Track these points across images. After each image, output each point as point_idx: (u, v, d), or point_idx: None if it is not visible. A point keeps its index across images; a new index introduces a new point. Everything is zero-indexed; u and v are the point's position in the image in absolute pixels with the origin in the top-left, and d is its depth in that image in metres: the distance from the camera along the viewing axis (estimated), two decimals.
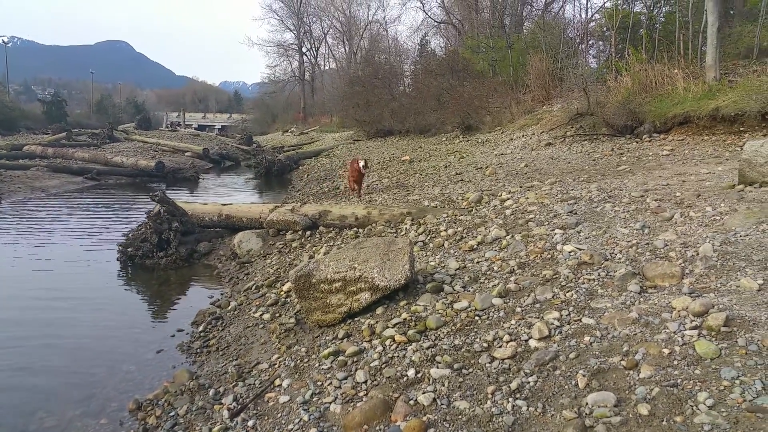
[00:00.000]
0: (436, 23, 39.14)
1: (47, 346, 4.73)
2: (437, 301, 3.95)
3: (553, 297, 3.64)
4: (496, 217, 5.86)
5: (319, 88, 59.20)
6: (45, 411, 3.64)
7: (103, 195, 14.49)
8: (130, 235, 7.64)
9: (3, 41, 68.31)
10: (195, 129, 58.53)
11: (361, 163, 9.91)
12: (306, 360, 3.68)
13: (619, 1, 16.92)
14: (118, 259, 7.24)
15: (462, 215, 6.25)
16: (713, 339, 2.71)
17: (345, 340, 3.79)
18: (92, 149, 22.49)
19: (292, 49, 59.46)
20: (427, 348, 3.36)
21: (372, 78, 25.40)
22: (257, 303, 5.13)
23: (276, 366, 3.73)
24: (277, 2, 57.91)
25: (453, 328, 3.55)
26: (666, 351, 2.69)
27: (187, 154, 23.70)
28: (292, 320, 4.35)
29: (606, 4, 18.49)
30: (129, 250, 7.24)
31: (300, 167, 19.69)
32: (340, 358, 3.52)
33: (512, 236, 5.08)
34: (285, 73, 60.22)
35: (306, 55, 60.37)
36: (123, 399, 3.72)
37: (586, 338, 3.01)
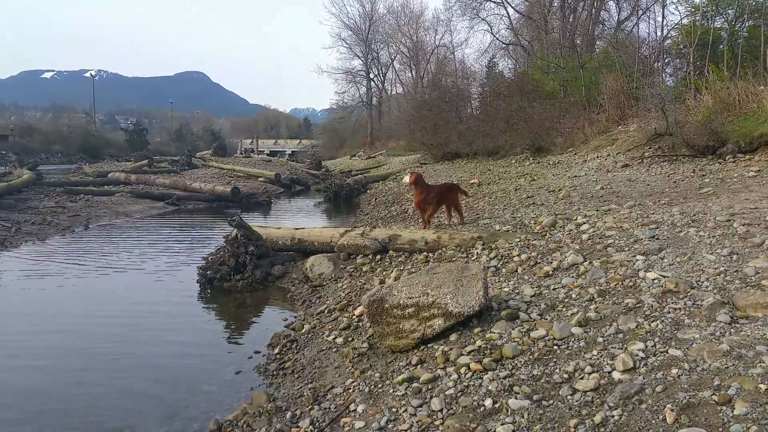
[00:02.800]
0: (504, 45, 39.00)
1: (132, 365, 4.99)
2: (513, 329, 3.86)
3: (636, 327, 3.48)
4: (572, 242, 5.68)
5: (386, 113, 60.20)
6: (130, 429, 3.82)
7: (183, 219, 15.24)
8: (209, 258, 7.99)
9: (91, 74, 74.02)
10: (267, 155, 60.82)
11: (405, 179, 8.21)
12: (380, 385, 3.68)
13: (697, 18, 16.22)
14: (198, 282, 7.56)
15: (535, 240, 6.11)
16: None
17: (419, 366, 3.77)
18: (172, 175, 23.68)
19: (360, 75, 60.99)
20: (504, 377, 3.28)
21: (439, 101, 25.56)
22: (330, 326, 5.21)
23: (350, 390, 3.75)
24: (346, 31, 59.70)
25: (530, 357, 3.45)
26: (763, 387, 2.50)
27: (260, 179, 24.56)
28: (365, 345, 4.37)
29: (683, 21, 17.75)
30: (208, 272, 7.56)
31: (368, 191, 19.96)
32: (415, 384, 3.50)
33: (590, 262, 4.90)
34: (353, 99, 61.78)
35: (373, 80, 61.73)
36: (204, 419, 3.85)
37: (674, 371, 2.85)
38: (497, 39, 38.80)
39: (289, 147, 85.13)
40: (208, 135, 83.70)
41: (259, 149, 74.24)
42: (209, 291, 7.38)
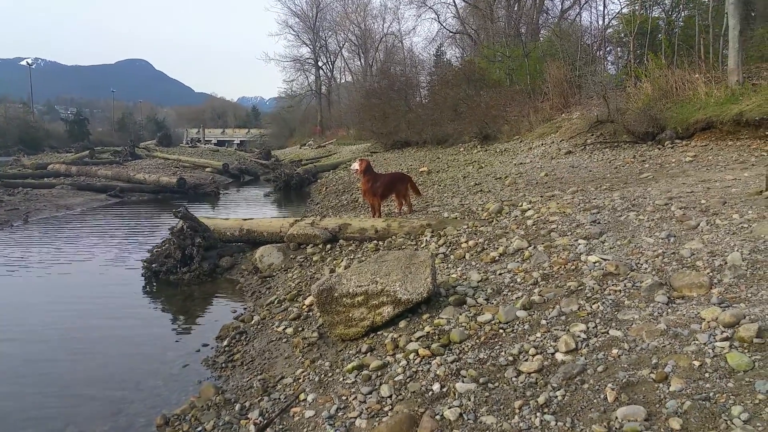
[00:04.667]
0: (451, 33, 39.34)
1: (74, 361, 4.82)
2: (460, 314, 3.93)
3: (578, 309, 3.60)
4: (518, 227, 5.82)
5: (336, 102, 59.79)
6: (74, 426, 3.69)
7: (127, 211, 14.72)
8: (154, 251, 7.75)
9: (27, 63, 70.45)
10: (214, 145, 59.48)
11: (354, 166, 8.09)
12: (330, 374, 3.68)
13: (636, 7, 16.82)
14: (143, 275, 7.34)
15: (483, 226, 6.23)
16: (746, 351, 2.65)
17: (368, 354, 3.79)
18: (115, 167, 22.91)
19: (309, 64, 60.21)
20: (452, 362, 3.33)
21: (388, 90, 25.57)
22: (280, 317, 5.16)
23: (300, 380, 3.74)
24: (293, 18, 58.73)
25: (477, 341, 3.52)
26: (697, 363, 2.64)
27: (207, 169, 24.01)
28: (315, 334, 4.36)
29: (623, 10, 18.37)
30: (153, 265, 7.34)
31: (318, 180, 19.83)
32: (365, 372, 3.51)
33: (535, 247, 5.04)
34: (302, 88, 60.98)
35: (322, 69, 61.07)
36: (151, 414, 3.75)
37: (614, 351, 2.96)
38: (444, 27, 39.17)
39: (238, 137, 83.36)
40: (152, 125, 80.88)
41: (206, 139, 72.38)
42: (155, 284, 7.18)
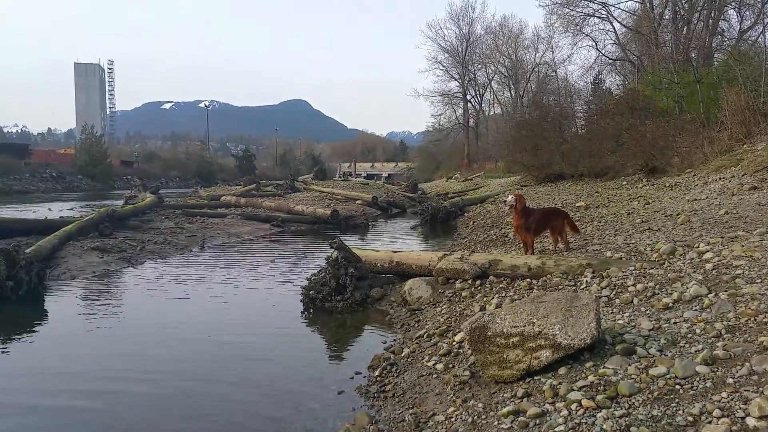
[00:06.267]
0: (610, 60, 37.33)
1: (242, 379, 5.19)
2: (629, 365, 3.57)
3: None
4: (695, 271, 5.21)
5: (484, 134, 59.60)
6: None
7: (287, 240, 15.90)
8: (311, 278, 8.22)
9: (205, 105, 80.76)
10: (364, 178, 62.34)
11: (509, 198, 7.84)
12: (484, 416, 3.55)
13: None
14: (301, 301, 7.79)
15: (652, 269, 5.67)
16: None
17: (525, 399, 3.59)
18: (277, 199, 24.89)
19: (457, 97, 60.95)
20: (620, 416, 3.03)
21: (541, 121, 24.84)
22: (429, 352, 5.13)
23: (453, 419, 3.65)
24: (443, 54, 60.08)
25: (649, 396, 3.17)
26: None
27: (357, 202, 25.14)
28: (467, 373, 4.25)
29: None
30: (311, 292, 7.77)
31: (465, 214, 19.74)
32: (521, 418, 3.33)
33: (716, 294, 4.46)
34: (449, 121, 61.84)
35: (470, 101, 61.48)
36: None
37: None
38: (603, 55, 37.20)
39: (386, 170, 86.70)
40: (309, 160, 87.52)
41: (357, 172, 76.27)
42: (311, 310, 7.58)
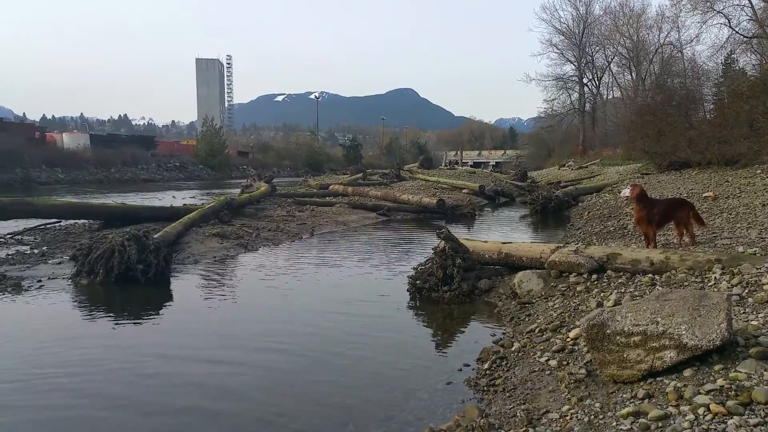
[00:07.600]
0: (745, 38, 33.59)
1: (354, 364, 5.38)
2: (765, 370, 3.28)
3: None
4: None
5: (601, 120, 56.38)
6: (353, 425, 4.11)
7: (393, 229, 16.12)
8: (418, 268, 8.30)
9: (315, 96, 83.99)
10: (471, 166, 61.52)
11: (625, 192, 7.70)
12: (601, 416, 3.42)
13: None
14: (408, 290, 7.90)
15: None
16: None
17: (646, 400, 3.41)
18: (383, 188, 25.23)
19: (572, 81, 58.09)
20: (755, 425, 2.80)
21: (665, 105, 23.05)
22: (542, 347, 5.00)
23: (568, 418, 3.55)
24: (558, 36, 57.48)
25: None
26: None
27: (464, 191, 24.85)
28: (583, 371, 4.10)
29: None
30: (417, 282, 7.86)
31: (579, 204, 18.89)
32: (642, 420, 3.17)
33: None
34: (563, 106, 59.09)
35: (587, 85, 58.34)
36: (419, 425, 3.98)
37: None
38: (737, 32, 33.51)
39: (493, 158, 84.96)
40: (414, 148, 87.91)
41: (463, 161, 75.47)
42: (418, 299, 7.66)
